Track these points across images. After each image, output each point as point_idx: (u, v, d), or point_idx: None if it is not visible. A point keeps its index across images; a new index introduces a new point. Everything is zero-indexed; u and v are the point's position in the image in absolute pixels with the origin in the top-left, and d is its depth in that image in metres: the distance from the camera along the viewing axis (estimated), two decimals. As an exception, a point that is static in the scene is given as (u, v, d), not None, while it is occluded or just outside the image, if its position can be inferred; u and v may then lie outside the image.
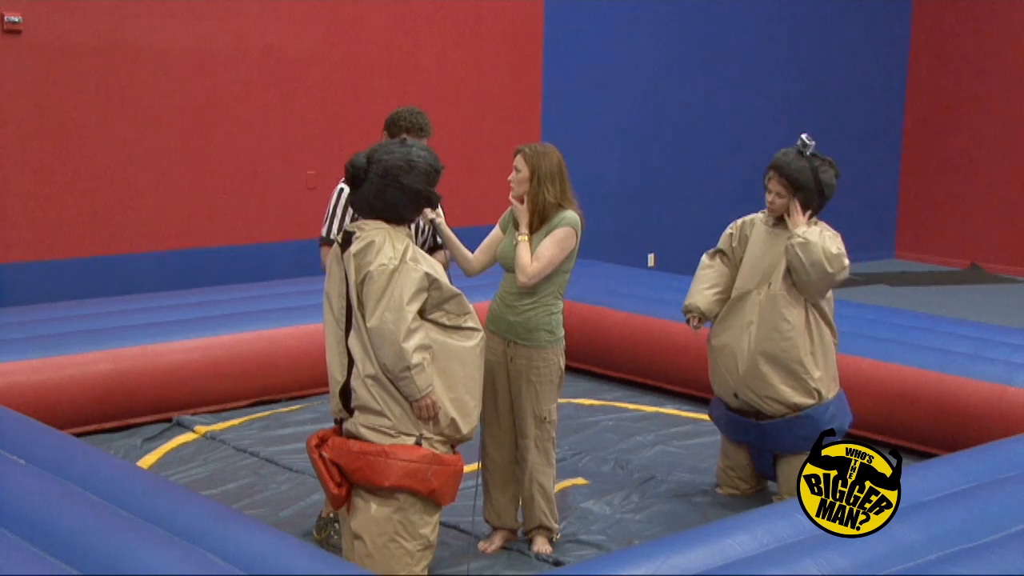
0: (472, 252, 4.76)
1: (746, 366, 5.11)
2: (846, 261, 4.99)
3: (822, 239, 4.94)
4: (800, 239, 4.94)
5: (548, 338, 4.62)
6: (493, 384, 4.65)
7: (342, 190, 4.78)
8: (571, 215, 4.61)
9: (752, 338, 5.09)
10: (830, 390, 5.14)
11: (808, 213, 5.08)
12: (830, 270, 4.93)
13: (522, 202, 4.63)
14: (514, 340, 4.62)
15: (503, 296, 4.68)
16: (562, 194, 4.62)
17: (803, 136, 5.06)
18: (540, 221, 4.61)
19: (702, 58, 11.00)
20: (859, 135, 12.51)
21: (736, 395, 5.20)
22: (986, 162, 12.44)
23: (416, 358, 3.97)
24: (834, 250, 4.94)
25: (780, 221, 5.15)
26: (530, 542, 4.78)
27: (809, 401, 5.07)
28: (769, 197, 5.11)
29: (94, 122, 7.63)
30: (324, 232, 4.81)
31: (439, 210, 4.60)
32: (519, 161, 4.64)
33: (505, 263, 4.68)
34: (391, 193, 4.08)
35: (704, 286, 5.27)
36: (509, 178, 4.66)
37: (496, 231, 4.78)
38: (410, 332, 3.96)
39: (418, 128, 4.84)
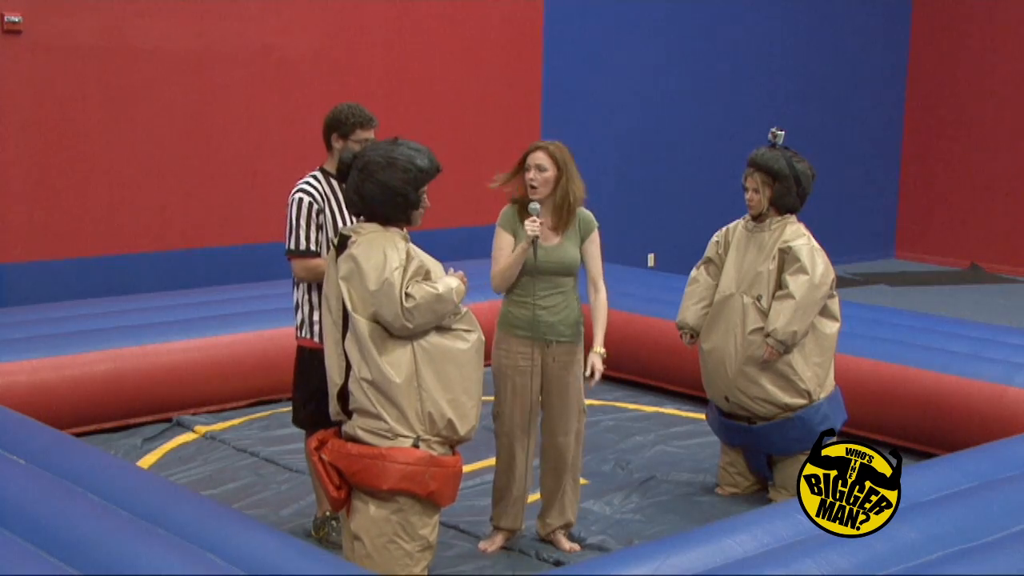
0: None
1: (735, 369, 5.14)
2: (830, 277, 5.05)
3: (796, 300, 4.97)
4: (781, 335, 4.97)
5: (581, 330, 4.65)
6: (521, 391, 4.55)
7: (301, 200, 4.61)
8: (591, 215, 4.60)
9: (738, 341, 5.11)
10: (823, 389, 5.15)
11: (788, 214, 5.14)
12: (817, 312, 5.04)
13: (541, 203, 4.45)
14: (557, 339, 4.56)
15: (531, 301, 4.48)
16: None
17: (773, 129, 5.19)
18: (568, 219, 4.50)
19: (702, 58, 11.00)
20: (859, 135, 12.51)
21: (727, 398, 5.22)
22: (986, 162, 12.43)
23: (409, 303, 3.89)
24: (817, 296, 4.99)
25: (758, 219, 5.19)
26: (554, 542, 4.74)
27: (800, 401, 5.09)
28: (747, 194, 5.19)
29: (94, 122, 7.62)
30: (291, 245, 4.61)
31: (537, 227, 4.37)
32: (543, 159, 4.44)
33: (551, 267, 4.47)
34: (367, 187, 4.06)
35: (692, 302, 5.34)
36: (530, 177, 4.45)
37: (506, 237, 4.57)
38: (407, 295, 3.90)
39: (367, 119, 4.60)
